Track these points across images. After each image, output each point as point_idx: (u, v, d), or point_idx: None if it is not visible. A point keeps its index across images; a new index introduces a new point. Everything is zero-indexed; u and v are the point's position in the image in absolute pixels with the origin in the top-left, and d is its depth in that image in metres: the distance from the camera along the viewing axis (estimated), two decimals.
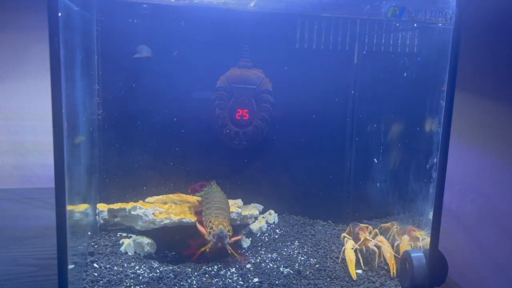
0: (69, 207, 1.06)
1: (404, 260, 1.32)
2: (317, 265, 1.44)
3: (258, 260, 1.46)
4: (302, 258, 1.49)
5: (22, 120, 2.09)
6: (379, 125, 1.70)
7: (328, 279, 1.35)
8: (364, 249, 1.46)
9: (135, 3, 1.58)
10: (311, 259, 1.48)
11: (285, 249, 1.55)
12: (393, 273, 1.38)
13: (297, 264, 1.44)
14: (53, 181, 1.01)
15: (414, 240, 1.41)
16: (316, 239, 1.65)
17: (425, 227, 1.37)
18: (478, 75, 1.82)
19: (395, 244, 1.46)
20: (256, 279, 1.32)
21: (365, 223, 1.70)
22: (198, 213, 1.52)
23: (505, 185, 1.77)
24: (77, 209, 1.25)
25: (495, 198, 1.81)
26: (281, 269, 1.40)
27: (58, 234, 1.03)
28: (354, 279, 1.36)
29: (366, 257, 1.48)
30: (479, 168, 1.87)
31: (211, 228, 1.39)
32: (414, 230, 1.43)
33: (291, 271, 1.39)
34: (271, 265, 1.43)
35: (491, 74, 1.81)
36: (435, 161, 1.23)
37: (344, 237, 1.56)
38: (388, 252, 1.42)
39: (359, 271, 1.41)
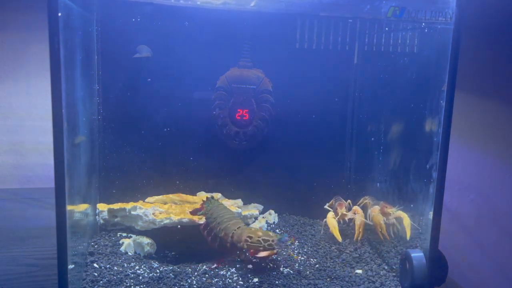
0: (69, 207, 1.06)
1: (404, 260, 1.32)
2: (317, 265, 1.44)
3: (258, 259, 1.46)
4: (302, 258, 1.49)
5: (22, 120, 2.09)
6: (379, 125, 1.70)
7: (328, 279, 1.35)
8: (341, 221, 1.64)
9: (135, 3, 1.58)
10: (311, 259, 1.48)
11: (285, 249, 1.55)
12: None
13: (297, 264, 1.44)
14: (53, 181, 1.01)
15: (386, 216, 1.55)
16: (316, 239, 1.65)
17: (424, 226, 1.37)
18: (478, 75, 1.82)
19: (368, 214, 1.63)
20: (256, 279, 1.32)
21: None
22: (205, 227, 1.44)
23: (505, 185, 1.77)
24: (77, 209, 1.25)
25: (495, 198, 1.81)
26: (281, 269, 1.40)
27: (58, 234, 1.03)
28: (340, 241, 1.56)
29: (344, 228, 1.67)
30: (479, 168, 1.87)
31: (265, 240, 1.28)
32: (386, 207, 1.56)
33: (291, 271, 1.39)
34: (271, 265, 1.42)
35: (491, 74, 1.81)
36: (435, 161, 1.23)
37: (327, 208, 1.74)
38: (359, 220, 1.60)
39: (359, 271, 1.41)
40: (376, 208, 1.59)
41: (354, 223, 1.62)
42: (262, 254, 1.28)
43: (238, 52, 1.70)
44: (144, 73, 1.65)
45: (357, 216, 1.61)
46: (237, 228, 1.36)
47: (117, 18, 1.59)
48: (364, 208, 1.70)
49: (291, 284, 1.30)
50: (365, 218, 1.62)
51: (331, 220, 1.62)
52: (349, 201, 1.73)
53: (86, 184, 1.43)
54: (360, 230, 1.59)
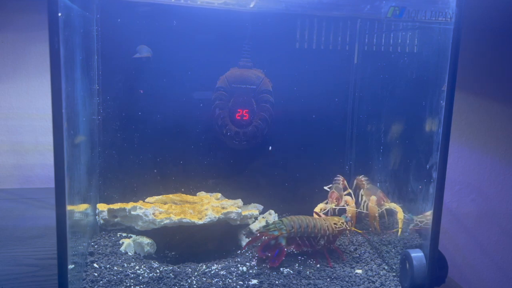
0: (69, 207, 1.06)
1: (404, 260, 1.32)
2: (317, 265, 1.44)
3: (258, 260, 1.46)
4: (302, 258, 1.49)
5: (22, 120, 2.09)
6: (379, 125, 1.70)
7: (328, 279, 1.35)
8: (331, 211, 1.68)
9: (135, 3, 1.58)
10: (311, 259, 1.48)
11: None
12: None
13: (297, 264, 1.44)
14: (53, 181, 1.01)
15: (381, 207, 1.59)
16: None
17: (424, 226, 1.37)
18: (478, 75, 1.82)
19: (363, 202, 1.66)
20: (256, 279, 1.32)
21: (365, 223, 1.73)
22: (292, 241, 1.47)
23: (505, 185, 1.77)
24: (77, 209, 1.25)
25: (495, 198, 1.81)
26: (281, 269, 1.40)
27: (58, 234, 1.03)
28: None
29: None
30: (479, 168, 1.87)
31: (342, 222, 1.49)
32: (383, 199, 1.58)
33: (291, 271, 1.38)
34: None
35: (491, 74, 1.81)
36: (435, 161, 1.23)
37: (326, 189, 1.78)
38: (350, 213, 1.63)
39: (359, 271, 1.41)
40: (374, 198, 1.60)
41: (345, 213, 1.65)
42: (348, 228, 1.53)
43: (238, 52, 1.70)
44: (144, 73, 1.65)
45: (347, 208, 1.63)
46: (325, 224, 1.47)
47: (117, 18, 1.59)
48: (357, 189, 1.72)
49: (291, 284, 1.30)
50: (358, 200, 1.67)
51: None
52: (345, 182, 1.77)
53: (86, 184, 1.43)
54: (353, 222, 1.62)
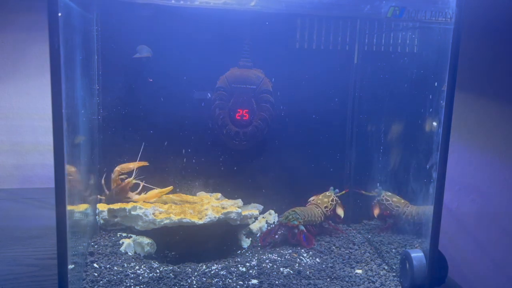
0: (69, 207, 1.06)
1: (404, 260, 1.32)
2: (317, 265, 1.44)
3: (258, 260, 1.46)
4: (302, 258, 1.49)
5: (22, 120, 2.09)
6: (379, 125, 1.70)
7: (328, 279, 1.35)
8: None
9: (135, 3, 1.58)
10: (311, 259, 1.48)
11: (285, 249, 1.55)
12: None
13: (297, 264, 1.44)
14: (53, 181, 1.01)
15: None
16: (316, 239, 1.65)
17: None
18: (477, 75, 1.82)
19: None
20: (256, 279, 1.32)
21: (365, 223, 1.74)
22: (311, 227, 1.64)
23: (505, 185, 1.77)
24: (77, 209, 1.25)
25: (495, 198, 1.81)
26: (281, 269, 1.40)
27: (58, 234, 1.03)
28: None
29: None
30: (479, 168, 1.87)
31: (330, 203, 1.70)
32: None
33: (291, 271, 1.39)
34: (271, 265, 1.42)
35: (491, 74, 1.81)
36: (435, 161, 1.23)
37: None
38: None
39: (359, 271, 1.41)
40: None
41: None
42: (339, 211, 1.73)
43: (238, 52, 1.70)
44: (144, 73, 1.65)
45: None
46: (319, 211, 1.66)
47: (117, 18, 1.59)
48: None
49: (291, 284, 1.30)
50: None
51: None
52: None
53: (86, 184, 1.43)
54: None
